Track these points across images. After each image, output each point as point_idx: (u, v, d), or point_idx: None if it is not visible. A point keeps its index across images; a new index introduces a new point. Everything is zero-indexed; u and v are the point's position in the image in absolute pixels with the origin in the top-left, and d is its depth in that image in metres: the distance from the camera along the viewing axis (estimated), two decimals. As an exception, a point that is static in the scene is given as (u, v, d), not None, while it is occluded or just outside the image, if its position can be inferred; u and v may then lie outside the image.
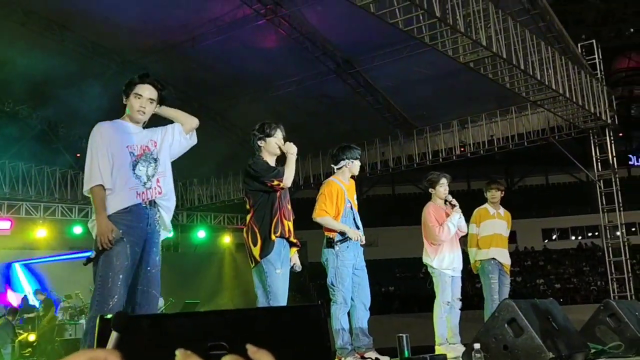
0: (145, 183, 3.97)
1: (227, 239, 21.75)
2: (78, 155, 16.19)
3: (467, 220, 7.30)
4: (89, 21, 12.68)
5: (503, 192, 7.87)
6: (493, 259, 7.51)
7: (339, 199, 5.72)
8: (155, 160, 4.07)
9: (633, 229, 29.58)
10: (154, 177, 4.03)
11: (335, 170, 5.97)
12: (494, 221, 7.68)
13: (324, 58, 14.54)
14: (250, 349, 0.83)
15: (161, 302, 14.85)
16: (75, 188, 16.34)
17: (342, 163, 5.92)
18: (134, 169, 3.95)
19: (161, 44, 13.31)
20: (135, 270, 3.87)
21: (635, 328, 4.89)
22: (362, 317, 5.73)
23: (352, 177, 6.07)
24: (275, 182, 4.83)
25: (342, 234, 5.66)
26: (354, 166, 5.96)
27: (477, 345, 3.91)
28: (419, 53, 13.14)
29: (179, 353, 0.81)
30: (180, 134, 4.25)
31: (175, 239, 20.64)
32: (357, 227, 5.81)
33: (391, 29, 9.89)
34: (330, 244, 5.65)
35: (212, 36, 13.29)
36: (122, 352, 0.81)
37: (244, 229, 4.98)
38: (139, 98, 4.01)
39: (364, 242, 5.73)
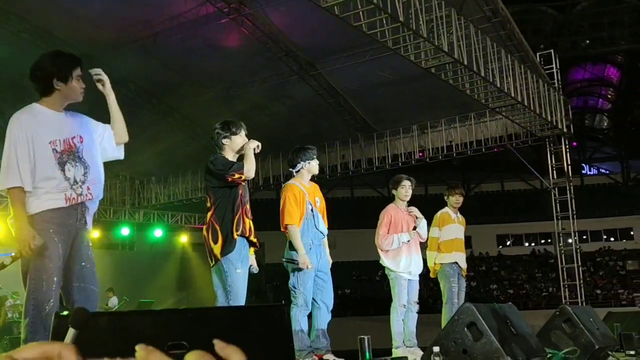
0: (74, 187, 3.66)
1: (184, 238, 21.57)
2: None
3: (428, 225, 7.33)
4: (48, 12, 12.41)
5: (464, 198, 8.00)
6: (455, 263, 7.59)
7: (301, 203, 5.68)
8: (83, 163, 3.71)
9: (584, 237, 30.18)
10: (84, 184, 3.70)
11: (295, 174, 5.92)
12: (455, 225, 7.75)
13: (286, 59, 14.51)
14: (218, 344, 0.78)
15: (115, 301, 14.64)
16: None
17: (299, 166, 5.86)
18: (63, 170, 3.62)
19: (122, 38, 13.09)
20: (68, 268, 3.66)
21: (590, 334, 4.98)
22: (324, 319, 5.70)
23: (313, 178, 6.03)
24: (237, 175, 4.75)
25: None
26: (312, 167, 5.89)
27: (436, 349, 3.92)
28: (381, 57, 13.20)
29: (139, 348, 0.75)
30: (110, 142, 3.91)
31: (131, 237, 20.39)
32: (321, 232, 5.77)
33: (354, 32, 9.92)
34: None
35: (174, 33, 13.12)
36: (79, 350, 0.76)
37: (204, 227, 4.87)
38: (79, 80, 3.71)
39: (309, 268, 5.56)
